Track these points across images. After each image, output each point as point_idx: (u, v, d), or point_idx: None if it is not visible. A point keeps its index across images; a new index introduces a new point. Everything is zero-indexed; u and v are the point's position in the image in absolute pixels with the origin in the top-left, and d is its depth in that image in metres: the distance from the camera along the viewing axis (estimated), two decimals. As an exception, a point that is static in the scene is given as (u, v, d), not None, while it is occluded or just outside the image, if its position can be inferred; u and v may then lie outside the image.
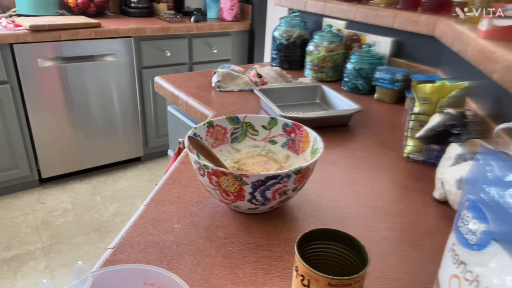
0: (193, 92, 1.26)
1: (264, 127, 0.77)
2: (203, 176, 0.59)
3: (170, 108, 1.43)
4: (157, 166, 2.66)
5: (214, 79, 1.31)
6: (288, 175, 0.57)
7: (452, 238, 0.40)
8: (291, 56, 1.56)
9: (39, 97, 2.10)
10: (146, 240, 0.58)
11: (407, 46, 1.34)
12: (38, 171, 2.28)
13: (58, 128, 2.23)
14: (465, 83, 0.86)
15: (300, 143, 0.74)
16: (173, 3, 2.72)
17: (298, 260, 0.41)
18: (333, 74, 1.44)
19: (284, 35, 1.54)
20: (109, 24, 2.25)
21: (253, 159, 0.74)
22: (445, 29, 1.09)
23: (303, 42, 1.53)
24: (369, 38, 1.42)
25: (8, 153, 2.12)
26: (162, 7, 2.64)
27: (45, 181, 2.39)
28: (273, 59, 1.61)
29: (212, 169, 0.56)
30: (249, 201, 0.59)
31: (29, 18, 2.10)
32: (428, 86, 0.83)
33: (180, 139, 1.20)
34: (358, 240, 0.43)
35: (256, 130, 0.77)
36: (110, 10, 2.67)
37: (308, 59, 1.46)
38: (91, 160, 2.43)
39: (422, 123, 0.83)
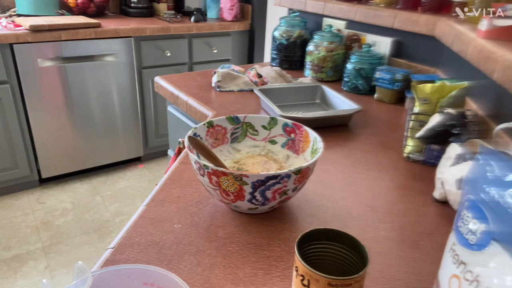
0: (193, 92, 1.26)
1: (264, 127, 0.77)
2: (203, 176, 0.59)
3: (170, 108, 1.43)
4: (157, 166, 2.66)
5: (214, 79, 1.31)
6: (288, 175, 0.57)
7: (452, 238, 0.40)
8: (291, 56, 1.56)
9: (39, 97, 2.10)
10: (146, 240, 0.58)
11: (407, 46, 1.34)
12: (38, 171, 2.28)
13: (58, 128, 2.23)
14: (465, 83, 0.86)
15: (300, 143, 0.74)
16: (173, 3, 2.72)
17: (298, 260, 0.41)
18: (333, 74, 1.44)
19: (284, 35, 1.54)
20: (109, 24, 2.25)
21: (253, 159, 0.74)
22: (445, 29, 1.09)
23: (303, 42, 1.53)
24: (369, 38, 1.42)
25: (8, 153, 2.12)
26: (162, 7, 2.64)
27: (45, 181, 2.39)
28: (273, 59, 1.61)
29: (212, 169, 0.56)
30: (249, 201, 0.59)
31: (29, 18, 2.10)
32: (428, 86, 0.83)
33: (180, 139, 1.20)
34: (358, 240, 0.43)
35: (256, 130, 0.77)
36: (110, 10, 2.67)
37: (308, 59, 1.46)
38: (91, 160, 2.43)
39: (422, 123, 0.83)
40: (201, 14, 2.53)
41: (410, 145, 0.86)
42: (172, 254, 0.56)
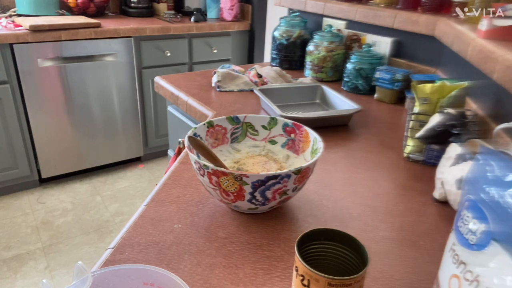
0: (193, 92, 1.26)
1: (264, 127, 0.77)
2: (203, 176, 0.59)
3: (170, 108, 1.43)
4: (157, 166, 2.66)
5: (214, 79, 1.31)
6: (288, 175, 0.57)
7: (452, 238, 0.40)
8: (291, 56, 1.56)
9: (39, 97, 2.10)
10: (146, 240, 0.58)
11: (407, 46, 1.34)
12: (38, 171, 2.28)
13: (58, 128, 2.23)
14: (465, 83, 0.86)
15: (300, 143, 0.74)
16: (173, 3, 2.72)
17: (298, 260, 0.41)
18: (333, 74, 1.44)
19: (284, 35, 1.54)
20: (109, 24, 2.25)
21: (253, 159, 0.74)
22: (445, 29, 1.09)
23: (303, 42, 1.53)
24: (369, 38, 1.42)
25: (8, 153, 2.12)
26: (162, 7, 2.64)
27: (45, 181, 2.39)
28: (273, 59, 1.61)
29: (212, 169, 0.56)
30: (249, 201, 0.59)
31: (29, 18, 2.10)
32: (428, 86, 0.83)
33: (180, 139, 1.20)
34: (358, 240, 0.43)
35: (256, 130, 0.77)
36: (110, 10, 2.67)
37: (308, 59, 1.46)
38: (91, 160, 2.43)
39: (422, 123, 0.83)
40: (201, 14, 2.53)
41: (410, 145, 0.86)
42: (172, 254, 0.56)
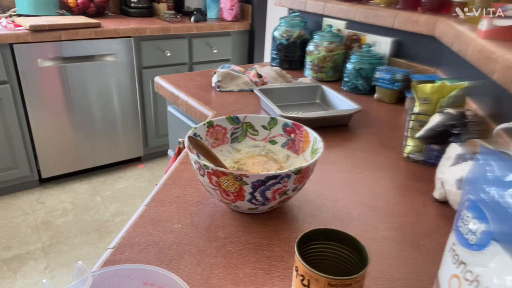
0: (193, 92, 1.26)
1: (264, 127, 0.77)
2: (203, 176, 0.59)
3: (170, 108, 1.43)
4: (157, 166, 2.66)
5: (214, 79, 1.31)
6: (288, 175, 0.57)
7: (452, 238, 0.40)
8: (291, 56, 1.56)
9: (39, 97, 2.10)
10: (146, 240, 0.58)
11: (407, 46, 1.34)
12: (38, 171, 2.28)
13: (58, 128, 2.23)
14: (465, 83, 0.86)
15: (300, 143, 0.74)
16: (173, 3, 2.72)
17: (298, 260, 0.41)
18: (333, 74, 1.44)
19: (284, 35, 1.54)
20: (109, 24, 2.25)
21: (253, 159, 0.74)
22: (445, 29, 1.09)
23: (303, 42, 1.53)
24: (369, 38, 1.42)
25: (8, 153, 2.12)
26: (162, 7, 2.64)
27: (45, 181, 2.39)
28: (273, 59, 1.61)
29: (212, 169, 0.56)
30: (249, 201, 0.59)
31: (29, 18, 2.10)
32: (428, 86, 0.83)
33: (180, 139, 1.20)
34: (358, 240, 0.43)
35: (256, 130, 0.77)
36: (110, 10, 2.67)
37: (308, 59, 1.46)
38: (91, 160, 2.43)
39: (422, 123, 0.83)
40: (201, 14, 2.53)
41: (410, 145, 0.86)
42: (172, 254, 0.56)
